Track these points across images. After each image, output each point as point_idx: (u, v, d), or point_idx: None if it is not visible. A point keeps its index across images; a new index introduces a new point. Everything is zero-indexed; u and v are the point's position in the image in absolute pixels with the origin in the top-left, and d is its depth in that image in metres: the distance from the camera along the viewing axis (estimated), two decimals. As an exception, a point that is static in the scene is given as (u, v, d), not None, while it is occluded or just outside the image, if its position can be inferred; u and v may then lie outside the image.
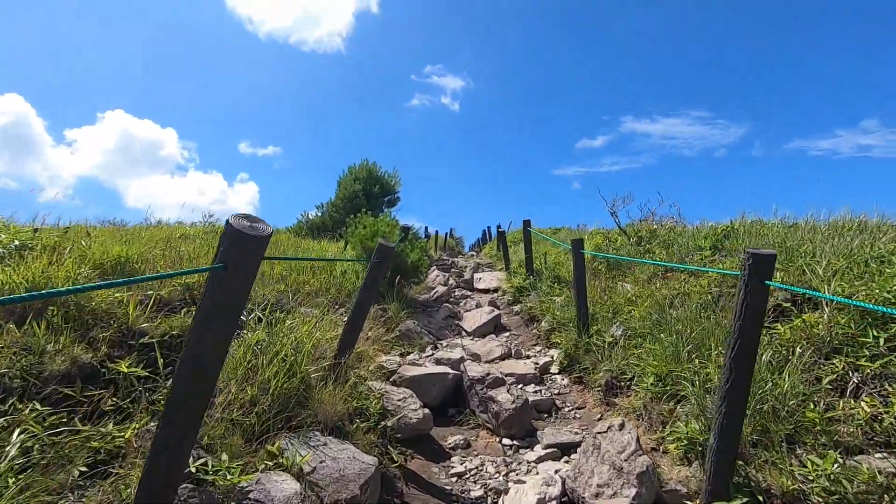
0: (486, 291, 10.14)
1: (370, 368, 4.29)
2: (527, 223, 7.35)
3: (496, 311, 6.41)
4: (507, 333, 6.14)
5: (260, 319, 3.39)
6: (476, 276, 10.85)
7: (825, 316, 3.06)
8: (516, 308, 6.89)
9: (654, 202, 7.11)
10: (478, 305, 7.30)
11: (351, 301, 5.68)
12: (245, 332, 3.24)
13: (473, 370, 4.11)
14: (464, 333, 6.28)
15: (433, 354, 5.17)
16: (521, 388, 4.41)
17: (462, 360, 4.71)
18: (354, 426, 2.94)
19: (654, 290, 5.17)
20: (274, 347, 3.02)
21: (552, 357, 5.03)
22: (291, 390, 2.87)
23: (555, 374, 4.77)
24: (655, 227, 7.41)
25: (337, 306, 5.93)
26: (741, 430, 2.24)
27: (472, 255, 17.08)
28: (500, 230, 10.12)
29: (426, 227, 17.31)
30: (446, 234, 21.96)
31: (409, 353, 5.30)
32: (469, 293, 9.07)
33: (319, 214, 12.65)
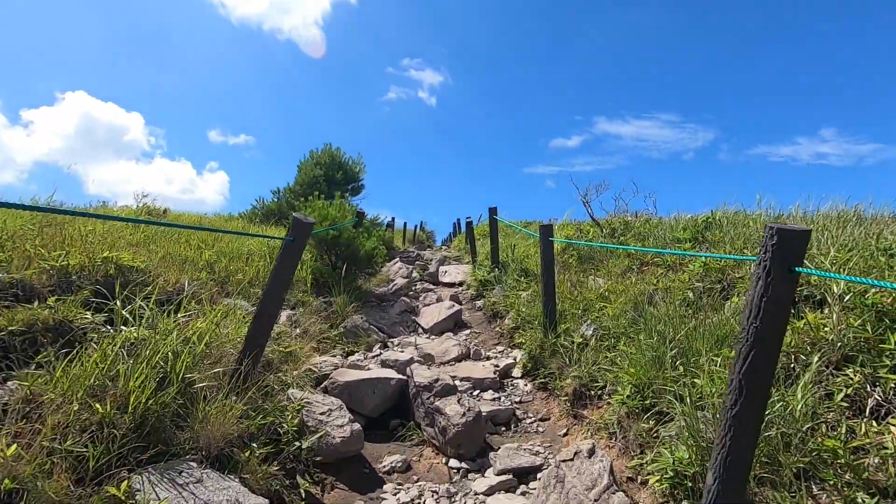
0: (450, 285, 9.52)
1: (298, 372, 3.60)
2: (493, 211, 6.75)
3: (456, 307, 5.79)
4: (468, 331, 5.53)
5: (142, 314, 2.65)
6: (441, 269, 10.22)
7: (834, 316, 2.55)
8: (479, 303, 6.30)
9: (629, 193, 6.60)
10: (438, 300, 6.67)
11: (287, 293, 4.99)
12: (113, 329, 2.50)
13: (421, 375, 3.47)
14: (420, 330, 5.64)
15: (380, 354, 4.51)
16: (476, 396, 3.81)
17: (411, 361, 4.07)
18: (248, 452, 2.25)
19: (629, 284, 4.65)
20: (148, 349, 2.30)
21: (515, 359, 4.45)
22: (163, 406, 2.16)
23: (517, 378, 4.19)
24: (630, 218, 6.94)
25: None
26: (751, 466, 1.68)
27: (442, 249, 16.46)
28: (468, 221, 9.49)
29: (392, 218, 16.57)
30: (416, 226, 21.25)
31: (353, 353, 4.62)
32: (432, 287, 8.44)
33: (276, 200, 11.74)
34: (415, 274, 9.92)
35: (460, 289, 8.48)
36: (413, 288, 7.86)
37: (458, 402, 3.19)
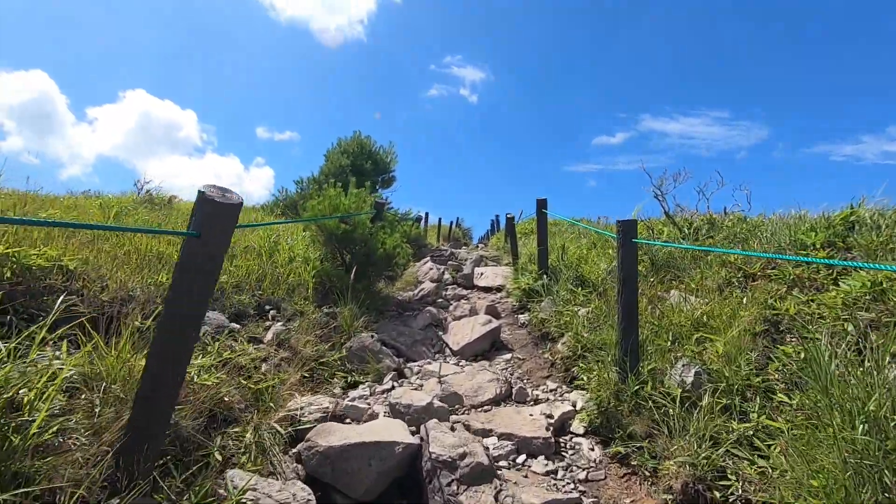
0: (487, 290, 8.32)
1: (269, 423, 2.52)
2: (542, 203, 5.49)
3: (494, 323, 4.58)
4: (508, 355, 4.32)
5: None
6: (477, 270, 9.03)
7: None
8: (522, 318, 5.07)
9: (713, 185, 5.19)
10: (472, 311, 5.49)
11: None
12: None
13: (440, 443, 2.32)
14: (447, 352, 4.49)
15: (392, 390, 3.39)
16: (521, 466, 2.61)
17: (430, 409, 2.91)
18: None
19: (736, 305, 3.32)
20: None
21: (574, 405, 3.22)
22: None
23: (578, 436, 2.95)
24: (716, 216, 5.51)
25: (268, 307, 4.18)
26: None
27: (478, 248, 15.26)
28: (509, 217, 8.26)
29: (426, 213, 15.50)
30: (451, 223, 20.14)
31: (356, 385, 3.52)
32: (465, 292, 7.26)
33: (299, 191, 10.87)
34: (447, 276, 8.78)
35: (498, 295, 7.27)
36: (443, 294, 6.70)
37: (496, 494, 2.01)
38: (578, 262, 5.57)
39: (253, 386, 2.78)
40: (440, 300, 6.22)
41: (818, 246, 3.57)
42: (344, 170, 11.07)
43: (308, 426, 2.57)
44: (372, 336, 4.02)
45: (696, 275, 4.15)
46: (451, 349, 4.46)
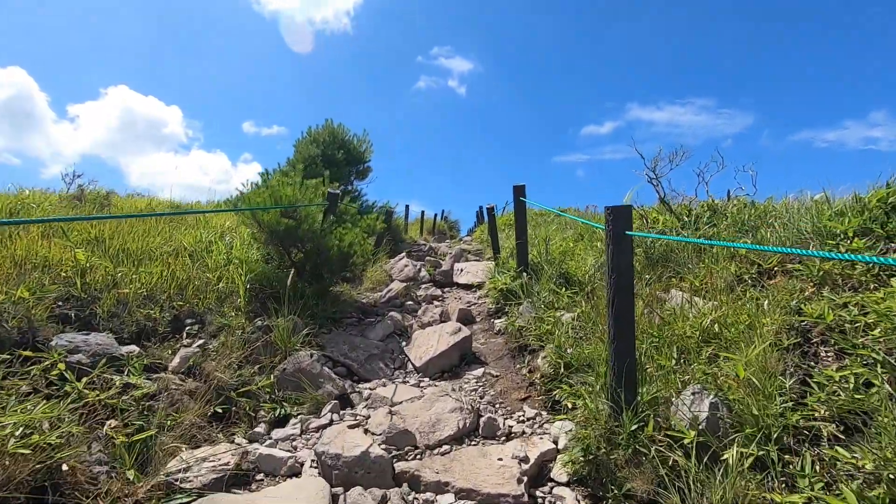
0: (468, 287, 7.65)
1: (135, 498, 1.81)
2: (519, 191, 4.75)
3: (463, 332, 3.89)
4: (480, 370, 3.64)
5: None
6: (457, 266, 8.34)
7: None
8: (499, 323, 4.39)
9: (712, 168, 4.54)
10: (444, 316, 4.80)
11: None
12: None
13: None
14: (409, 367, 3.80)
15: (331, 424, 2.69)
16: (483, 545, 1.93)
17: (363, 459, 2.22)
18: None
19: (755, 310, 2.67)
20: None
21: (556, 441, 2.55)
22: None
23: (561, 485, 2.28)
24: (717, 202, 4.87)
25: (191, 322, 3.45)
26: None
27: (462, 241, 14.58)
28: (489, 209, 7.58)
29: (406, 206, 14.74)
30: (436, 215, 19.43)
31: (286, 420, 2.82)
32: (440, 292, 6.57)
33: (264, 184, 10.05)
34: (423, 273, 8.09)
35: (477, 294, 6.59)
36: (414, 294, 6.00)
37: None
38: (563, 258, 4.89)
39: (124, 438, 2.06)
40: (410, 302, 5.52)
41: (850, 234, 2.92)
42: (314, 160, 10.27)
43: (186, 501, 1.87)
44: (313, 354, 3.30)
45: (701, 270, 3.49)
46: (413, 365, 3.76)
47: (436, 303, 5.70)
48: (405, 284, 5.80)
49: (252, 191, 4.45)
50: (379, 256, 8.81)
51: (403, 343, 4.13)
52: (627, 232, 2.15)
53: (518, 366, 3.61)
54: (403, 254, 8.51)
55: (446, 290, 7.75)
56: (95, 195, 6.38)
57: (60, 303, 2.94)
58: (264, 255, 4.53)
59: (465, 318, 4.66)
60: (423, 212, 16.53)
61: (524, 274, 4.56)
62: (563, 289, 4.05)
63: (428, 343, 3.88)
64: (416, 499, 2.12)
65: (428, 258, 9.06)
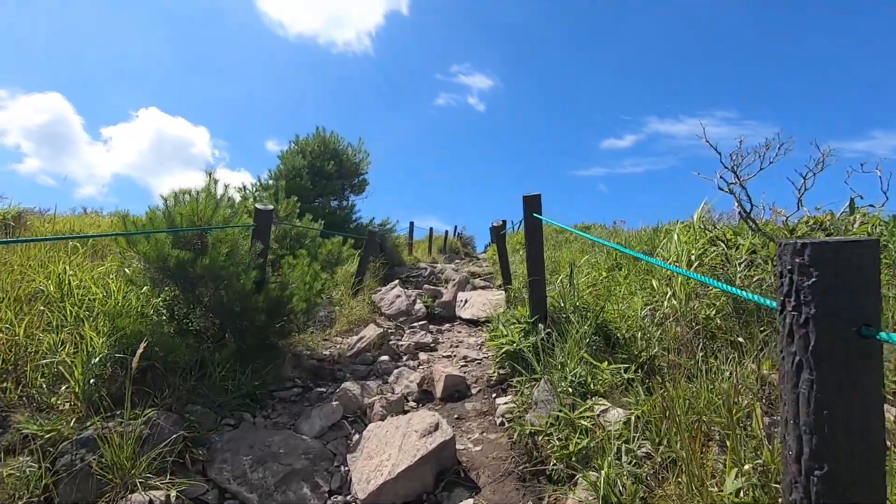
0: (474, 324, 6.20)
1: None
2: (532, 203, 3.14)
3: (441, 432, 2.39)
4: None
5: None
6: (461, 296, 6.88)
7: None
8: (504, 404, 2.88)
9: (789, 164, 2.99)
10: (423, 387, 3.30)
11: None
12: None
13: None
14: (351, 495, 2.31)
15: None
16: None
17: None
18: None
19: None
20: None
21: None
22: None
23: None
24: (824, 216, 3.31)
25: None
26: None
27: (471, 262, 13.10)
28: (494, 226, 6.13)
29: (412, 223, 13.35)
30: (447, 232, 18.00)
31: None
32: (434, 336, 5.09)
33: (242, 201, 8.84)
34: (419, 305, 6.64)
35: (484, 337, 5.10)
36: (396, 344, 4.53)
37: None
38: (596, 299, 3.37)
39: None
40: (384, 357, 4.04)
41: None
42: (299, 172, 8.99)
43: None
44: (169, 495, 1.85)
45: None
46: (356, 495, 2.27)
47: (422, 356, 4.22)
48: (380, 332, 4.32)
49: (150, 211, 3.07)
50: (366, 285, 7.40)
51: (349, 446, 2.64)
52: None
53: (530, 499, 2.09)
54: (397, 281, 7.07)
55: (446, 326, 6.29)
56: (8, 213, 5.15)
57: None
58: (169, 301, 3.12)
59: (456, 391, 3.16)
60: (430, 228, 15.11)
61: (540, 326, 3.05)
62: (604, 359, 2.54)
63: (385, 451, 2.39)
64: None
65: (427, 286, 7.61)
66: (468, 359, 3.92)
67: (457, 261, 13.90)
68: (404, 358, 4.13)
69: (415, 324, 5.79)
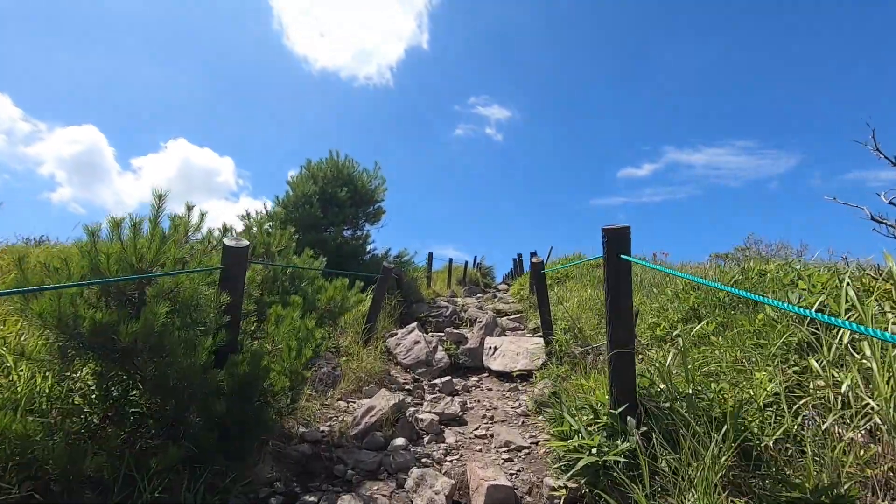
0: (506, 378, 5.22)
1: None
2: (618, 237, 2.13)
3: None
4: None
5: None
6: (489, 342, 5.88)
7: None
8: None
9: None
10: (452, 501, 2.30)
11: None
12: None
13: None
14: None
15: None
16: None
17: None
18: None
19: None
20: None
21: None
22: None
23: None
24: None
25: None
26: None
27: (495, 298, 12.07)
28: (532, 261, 5.09)
29: (430, 254, 12.43)
30: (466, 263, 17.03)
31: None
32: (463, 400, 4.09)
33: (246, 230, 8.02)
34: (440, 352, 5.66)
35: (518, 405, 4.09)
36: (412, 416, 3.52)
37: None
38: (705, 377, 2.35)
39: None
40: (399, 441, 3.04)
41: None
42: (309, 199, 8.22)
43: None
44: None
45: None
46: None
47: (449, 436, 3.21)
48: (396, 401, 3.34)
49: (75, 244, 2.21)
50: (380, 326, 6.46)
51: None
52: None
53: None
54: (415, 324, 6.11)
55: (473, 380, 5.27)
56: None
57: None
58: (97, 376, 2.20)
59: (503, 512, 2.14)
60: (450, 259, 14.19)
61: (630, 421, 2.04)
62: (761, 494, 1.52)
63: None
64: None
65: (448, 329, 6.62)
66: (511, 446, 2.90)
67: (478, 295, 12.89)
68: (425, 439, 3.13)
69: (436, 380, 4.79)
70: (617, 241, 2.06)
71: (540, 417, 3.63)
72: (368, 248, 9.05)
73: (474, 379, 5.32)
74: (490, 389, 4.87)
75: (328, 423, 3.36)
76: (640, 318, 4.10)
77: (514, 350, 5.61)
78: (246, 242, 2.32)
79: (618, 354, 2.08)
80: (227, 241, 2.28)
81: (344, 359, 4.80)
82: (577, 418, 2.19)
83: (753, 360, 2.44)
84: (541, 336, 6.11)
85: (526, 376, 5.12)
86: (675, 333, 3.62)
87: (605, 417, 2.12)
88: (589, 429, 2.12)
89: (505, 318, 7.94)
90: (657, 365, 2.35)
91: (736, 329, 2.91)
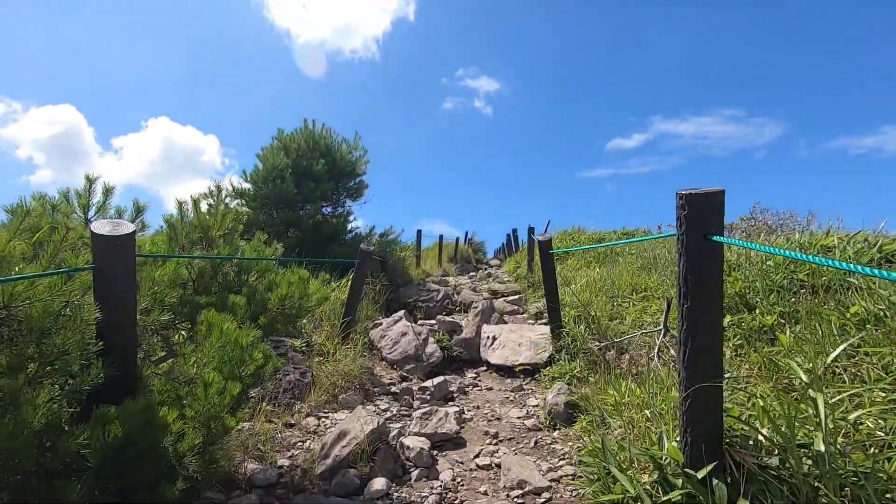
0: (507, 372, 4.57)
1: None
2: (707, 203, 1.33)
3: None
4: None
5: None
6: (486, 331, 5.19)
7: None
8: None
9: None
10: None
11: None
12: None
13: None
14: None
15: None
16: None
17: None
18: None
19: None
20: None
21: None
22: None
23: None
24: None
25: None
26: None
27: (491, 272, 11.37)
28: (538, 240, 4.27)
29: (419, 231, 11.61)
30: (458, 239, 16.26)
31: None
32: (459, 409, 3.37)
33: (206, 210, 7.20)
34: (431, 345, 4.97)
35: (530, 412, 3.42)
36: (396, 441, 2.79)
37: None
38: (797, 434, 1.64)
39: None
40: (378, 486, 2.32)
41: None
42: (281, 173, 7.32)
43: None
44: None
45: None
46: None
47: (443, 470, 2.51)
48: (374, 426, 2.61)
49: None
50: (363, 315, 5.72)
51: None
52: None
53: None
54: (402, 313, 5.37)
55: (470, 377, 4.59)
56: None
57: None
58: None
59: None
60: (440, 236, 13.38)
61: (717, 486, 1.34)
62: None
63: None
64: None
65: (440, 317, 5.89)
66: (527, 488, 2.19)
67: (471, 273, 12.17)
68: (413, 475, 2.42)
69: (427, 382, 4.08)
70: (702, 212, 1.30)
71: (556, 434, 2.94)
72: (350, 226, 8.23)
73: (471, 375, 4.64)
74: (490, 389, 4.18)
75: (290, 454, 2.63)
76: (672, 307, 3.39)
77: (516, 340, 4.92)
78: (130, 227, 1.52)
79: (699, 391, 1.35)
80: (96, 227, 1.48)
81: (318, 359, 4.06)
82: (634, 483, 1.47)
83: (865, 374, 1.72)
84: (545, 323, 5.42)
85: (530, 371, 4.44)
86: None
87: (679, 480, 1.40)
88: (654, 498, 1.40)
89: (501, 299, 7.24)
90: (745, 390, 1.62)
91: (817, 323, 2.19)
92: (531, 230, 8.19)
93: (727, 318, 2.91)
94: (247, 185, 7.35)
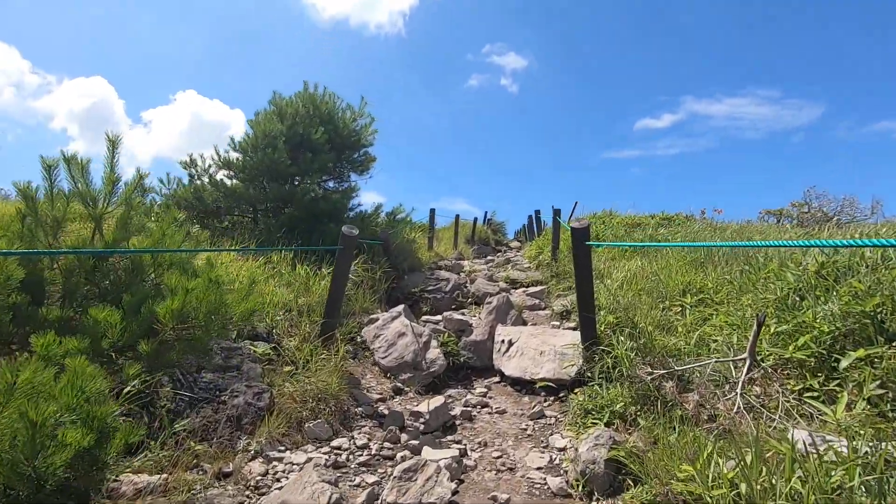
0: (526, 387, 3.73)
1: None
2: None
3: None
4: None
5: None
6: (501, 332, 4.30)
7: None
8: None
9: None
10: None
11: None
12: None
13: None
14: None
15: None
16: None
17: None
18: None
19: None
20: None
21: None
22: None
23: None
24: None
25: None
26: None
27: (510, 258, 10.41)
28: (572, 227, 3.24)
29: (432, 210, 10.67)
30: (476, 219, 15.24)
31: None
32: (461, 449, 2.50)
33: (190, 183, 6.27)
34: (434, 351, 4.13)
35: (557, 452, 2.54)
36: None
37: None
38: None
39: None
40: None
41: None
42: (273, 141, 6.45)
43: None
44: None
45: None
46: None
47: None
48: (329, 496, 1.77)
49: None
50: (358, 308, 4.90)
51: None
52: None
53: None
54: (401, 307, 4.51)
55: (478, 393, 3.75)
56: None
57: None
58: None
59: None
60: (457, 216, 12.42)
61: None
62: None
63: None
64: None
65: (447, 313, 5.01)
66: None
67: (488, 257, 11.23)
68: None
69: (422, 404, 3.22)
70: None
71: (592, 506, 2.06)
72: (353, 204, 7.35)
73: (480, 389, 3.78)
74: (503, 413, 3.31)
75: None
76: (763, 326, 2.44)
77: (537, 347, 4.01)
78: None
79: None
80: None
81: (288, 369, 3.23)
82: None
83: None
84: (573, 327, 4.50)
85: (554, 389, 3.55)
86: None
87: None
88: None
89: (521, 290, 6.33)
90: None
91: None
92: (556, 212, 7.18)
93: (859, 353, 1.94)
94: (236, 155, 6.51)
